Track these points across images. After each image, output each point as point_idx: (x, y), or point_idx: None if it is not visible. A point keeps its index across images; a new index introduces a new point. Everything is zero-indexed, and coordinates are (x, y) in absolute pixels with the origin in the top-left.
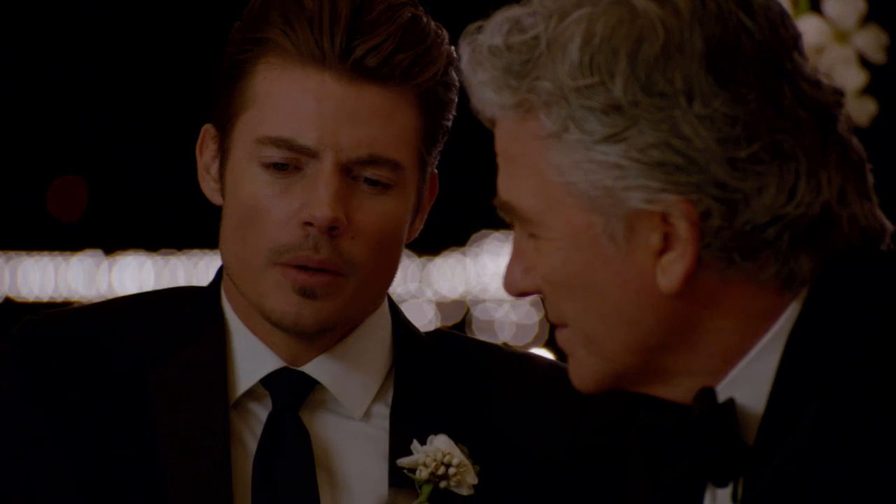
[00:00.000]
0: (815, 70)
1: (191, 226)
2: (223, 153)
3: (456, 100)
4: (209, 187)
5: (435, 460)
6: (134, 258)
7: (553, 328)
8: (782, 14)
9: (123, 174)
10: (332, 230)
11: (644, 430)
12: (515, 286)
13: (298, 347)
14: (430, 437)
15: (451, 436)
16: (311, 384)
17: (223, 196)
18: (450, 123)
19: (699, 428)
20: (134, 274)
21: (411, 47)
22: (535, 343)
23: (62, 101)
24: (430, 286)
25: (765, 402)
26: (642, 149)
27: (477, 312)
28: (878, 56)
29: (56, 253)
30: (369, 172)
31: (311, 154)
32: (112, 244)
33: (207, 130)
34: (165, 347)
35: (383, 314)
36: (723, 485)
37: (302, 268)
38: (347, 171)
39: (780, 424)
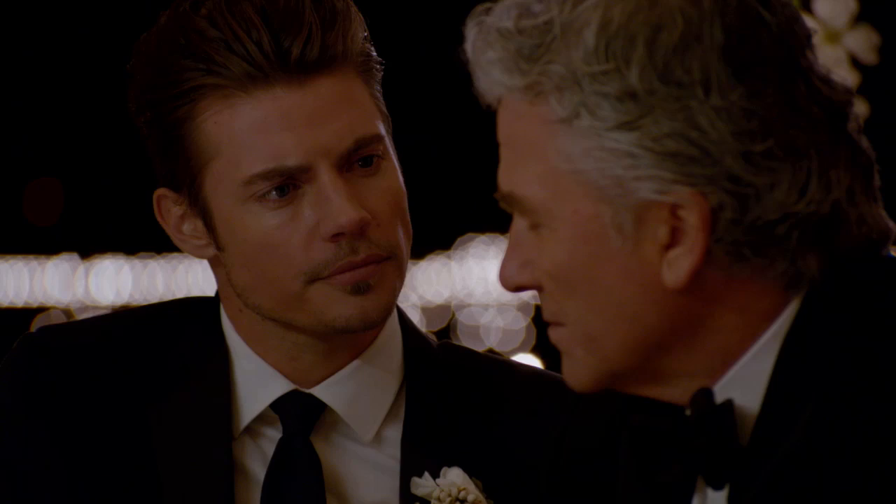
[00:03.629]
0: (827, 68)
1: None
2: (201, 209)
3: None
4: (191, 246)
5: (450, 495)
6: (111, 262)
7: (542, 330)
8: (795, 11)
9: (100, 176)
10: (363, 228)
11: (636, 433)
12: (511, 280)
13: (307, 369)
14: (444, 470)
15: (463, 465)
16: (321, 407)
17: (220, 246)
18: (382, 68)
19: (697, 429)
20: (111, 278)
21: (334, 25)
22: (522, 348)
23: (38, 103)
24: (414, 291)
25: (760, 403)
26: (656, 138)
27: (462, 317)
28: (869, 57)
29: (31, 257)
30: (361, 154)
31: (304, 169)
32: (88, 248)
33: (163, 196)
34: (167, 374)
35: (394, 329)
36: (719, 487)
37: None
38: (344, 167)
39: (775, 425)
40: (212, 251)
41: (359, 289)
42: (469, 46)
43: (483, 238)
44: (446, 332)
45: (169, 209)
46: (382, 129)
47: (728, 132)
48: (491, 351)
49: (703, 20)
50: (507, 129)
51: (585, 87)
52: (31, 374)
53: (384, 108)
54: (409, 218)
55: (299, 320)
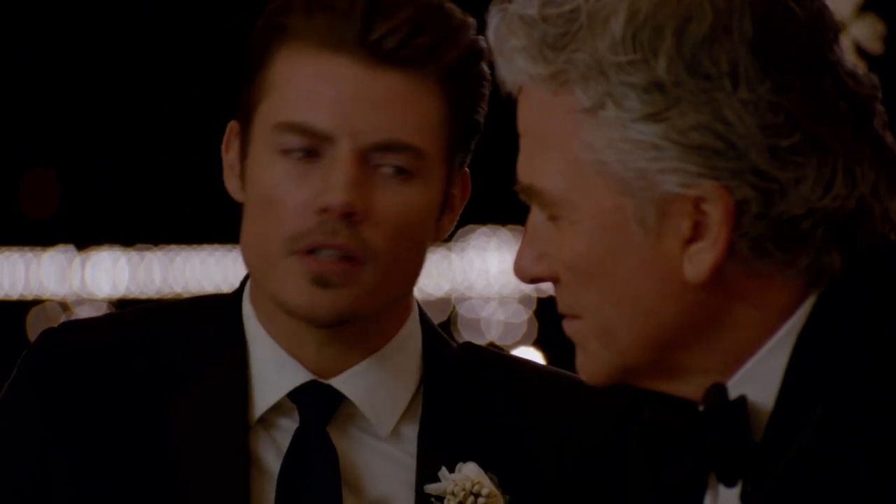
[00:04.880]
0: (853, 63)
1: (167, 220)
2: (244, 147)
3: (487, 95)
4: (233, 185)
5: (463, 489)
6: (108, 254)
7: (544, 324)
8: (823, 4)
9: (97, 167)
10: (349, 216)
11: (648, 429)
12: (527, 272)
13: (327, 359)
14: (459, 465)
15: (480, 462)
16: (339, 399)
17: (244, 189)
18: (481, 119)
19: (709, 425)
20: (108, 270)
21: (431, 31)
22: (523, 342)
23: (34, 94)
24: None
25: (774, 399)
26: (682, 130)
27: (463, 310)
28: (875, 46)
29: (27, 248)
30: (389, 159)
31: (328, 139)
32: (85, 239)
33: (232, 127)
34: (185, 368)
35: (414, 327)
36: (732, 484)
37: (317, 254)
38: (366, 159)
39: (789, 422)
40: (241, 196)
41: (319, 280)
42: (491, 33)
43: (484, 230)
44: (447, 325)
45: (233, 142)
46: (429, 149)
47: (755, 126)
48: (492, 345)
49: (733, 11)
50: (528, 118)
51: (612, 77)
52: (49, 369)
53: (458, 140)
54: (420, 248)
55: (264, 287)
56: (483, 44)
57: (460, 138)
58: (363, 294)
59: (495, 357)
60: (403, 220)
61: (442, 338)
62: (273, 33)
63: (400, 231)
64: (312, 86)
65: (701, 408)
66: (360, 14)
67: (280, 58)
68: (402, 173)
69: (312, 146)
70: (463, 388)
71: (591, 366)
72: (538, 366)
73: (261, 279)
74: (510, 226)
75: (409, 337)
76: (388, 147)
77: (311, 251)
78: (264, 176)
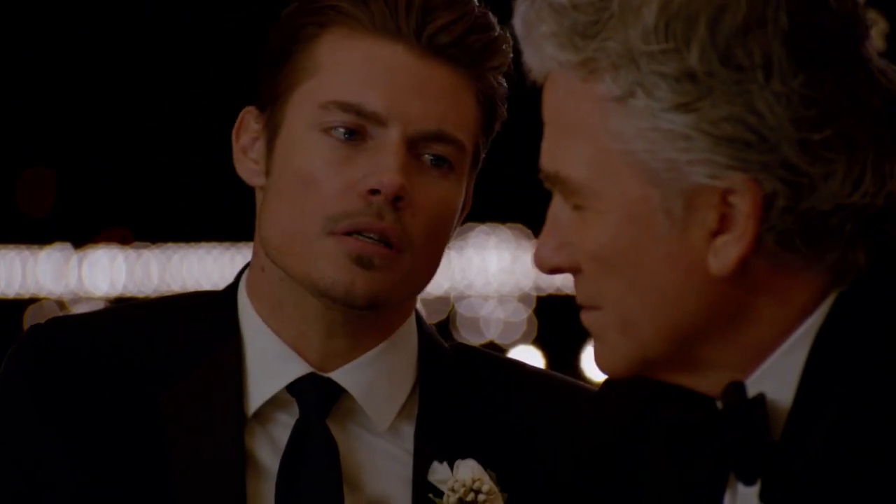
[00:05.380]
0: (885, 60)
1: (165, 218)
2: (272, 128)
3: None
4: (247, 168)
5: (464, 486)
6: (105, 252)
7: (543, 322)
8: (856, 1)
9: (94, 166)
10: (396, 201)
11: (668, 427)
12: (547, 262)
13: (331, 352)
14: (458, 462)
15: (476, 458)
16: (339, 392)
17: (268, 172)
18: (498, 128)
19: (728, 423)
20: (105, 268)
21: (482, 32)
22: (523, 340)
23: (32, 93)
24: None
25: (793, 398)
26: (714, 121)
27: (462, 309)
28: (877, 44)
29: (23, 247)
30: (434, 149)
31: (380, 121)
32: (82, 237)
33: (248, 112)
34: (178, 362)
35: (411, 326)
36: (751, 482)
37: (359, 236)
38: (413, 147)
39: (808, 421)
40: (260, 179)
41: (360, 261)
42: (519, 20)
43: (483, 227)
44: (446, 324)
45: (249, 126)
46: (468, 145)
47: (787, 119)
48: (492, 343)
49: (768, 3)
50: (555, 106)
51: (643, 66)
52: (38, 364)
53: (483, 143)
54: (445, 243)
55: (293, 268)
56: (511, 58)
57: (484, 143)
58: (400, 281)
59: (489, 358)
60: (439, 212)
61: (436, 338)
62: (317, 16)
63: (435, 223)
64: (368, 68)
65: (719, 405)
66: (419, 7)
67: (328, 39)
68: (441, 165)
69: (359, 127)
70: (458, 388)
71: (609, 357)
72: (533, 368)
73: (290, 260)
74: (509, 224)
75: (407, 335)
76: (437, 137)
77: (350, 233)
78: (303, 155)
